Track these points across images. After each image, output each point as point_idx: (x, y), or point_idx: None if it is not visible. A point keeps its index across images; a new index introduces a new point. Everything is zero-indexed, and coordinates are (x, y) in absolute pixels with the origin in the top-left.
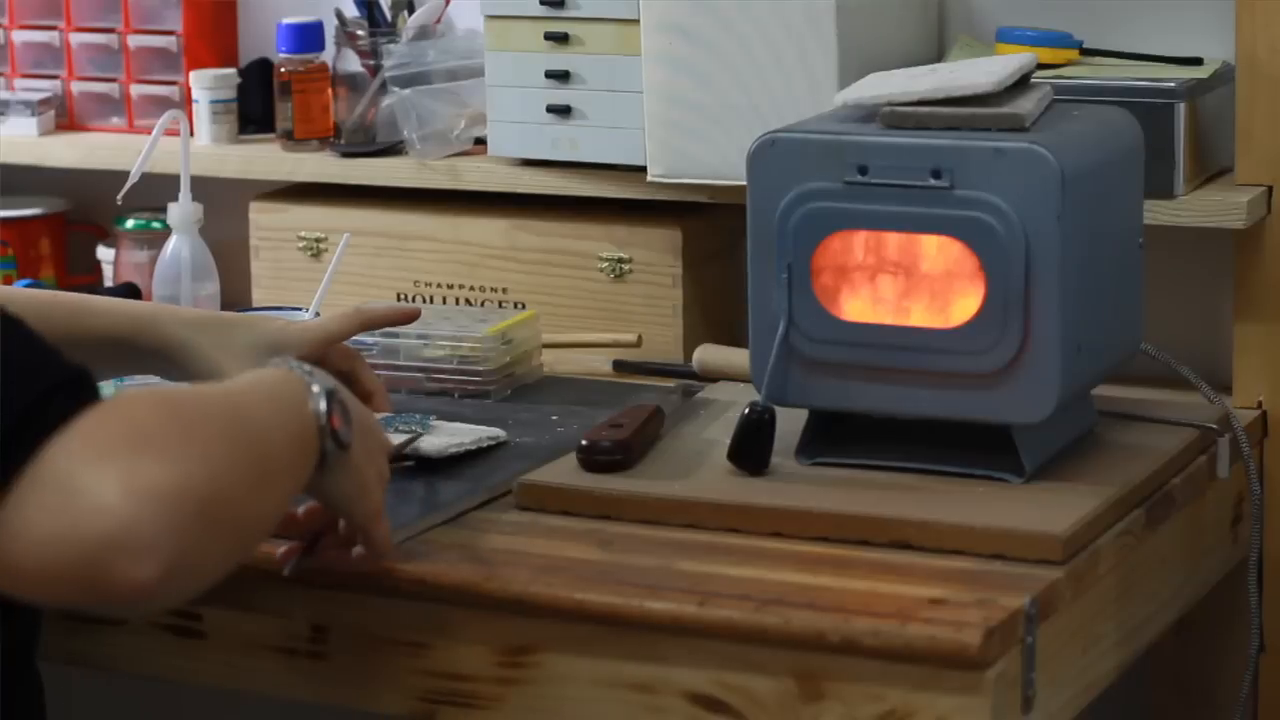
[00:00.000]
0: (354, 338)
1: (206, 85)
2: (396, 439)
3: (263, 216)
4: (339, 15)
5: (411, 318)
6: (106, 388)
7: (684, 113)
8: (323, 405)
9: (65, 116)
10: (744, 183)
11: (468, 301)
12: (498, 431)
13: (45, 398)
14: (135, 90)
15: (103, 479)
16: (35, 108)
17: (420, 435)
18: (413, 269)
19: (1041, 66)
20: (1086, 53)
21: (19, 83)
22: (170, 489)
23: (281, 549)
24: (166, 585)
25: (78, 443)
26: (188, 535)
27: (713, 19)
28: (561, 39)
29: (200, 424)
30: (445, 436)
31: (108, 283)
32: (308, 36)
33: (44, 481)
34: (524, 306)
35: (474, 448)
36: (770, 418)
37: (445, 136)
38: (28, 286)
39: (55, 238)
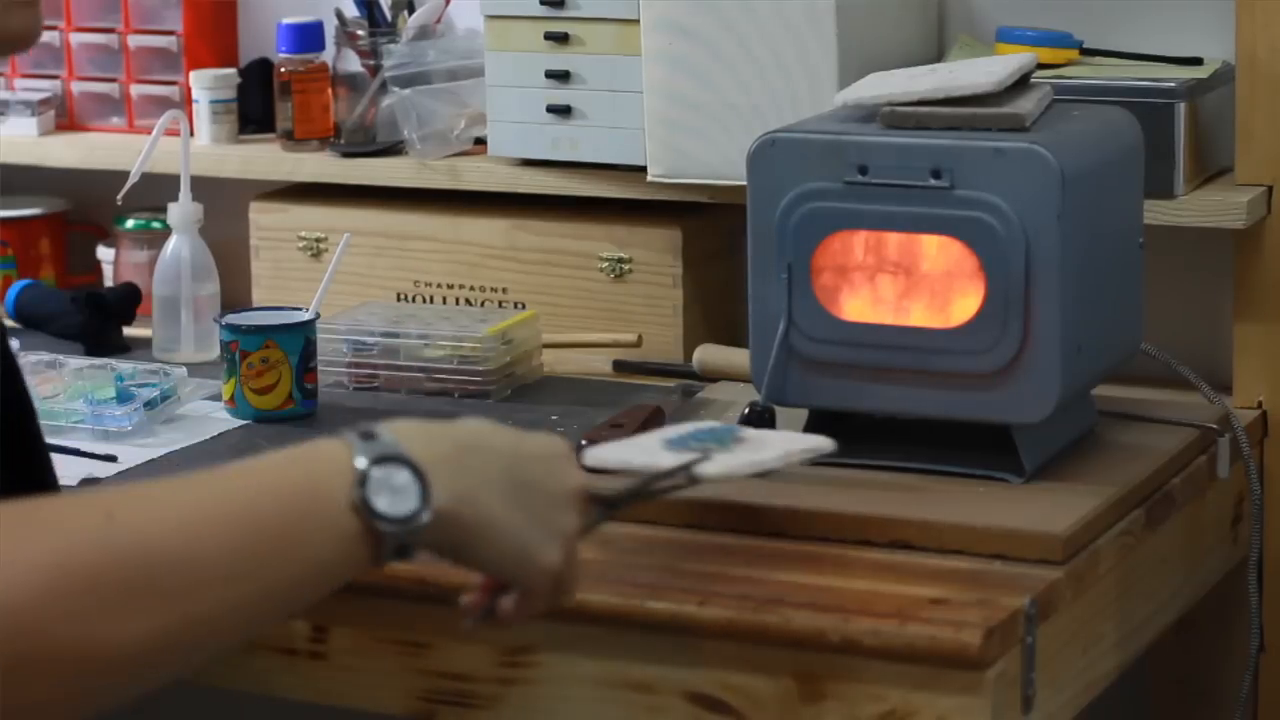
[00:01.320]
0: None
1: (206, 85)
2: (675, 459)
3: (263, 216)
4: (339, 15)
5: None
6: None
7: (684, 113)
8: (355, 489)
9: (65, 116)
10: (744, 183)
11: (468, 301)
12: (819, 441)
13: None
14: (135, 90)
15: None
16: (35, 108)
17: (701, 460)
18: (413, 269)
19: (1041, 66)
20: (1086, 53)
21: (19, 83)
22: None
23: (465, 598)
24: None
25: None
26: None
27: (713, 19)
28: (561, 39)
29: (23, 558)
30: (746, 453)
31: (108, 283)
32: (308, 36)
33: None
34: (524, 306)
35: (779, 465)
36: (770, 418)
37: (445, 136)
38: (28, 286)
39: (55, 238)
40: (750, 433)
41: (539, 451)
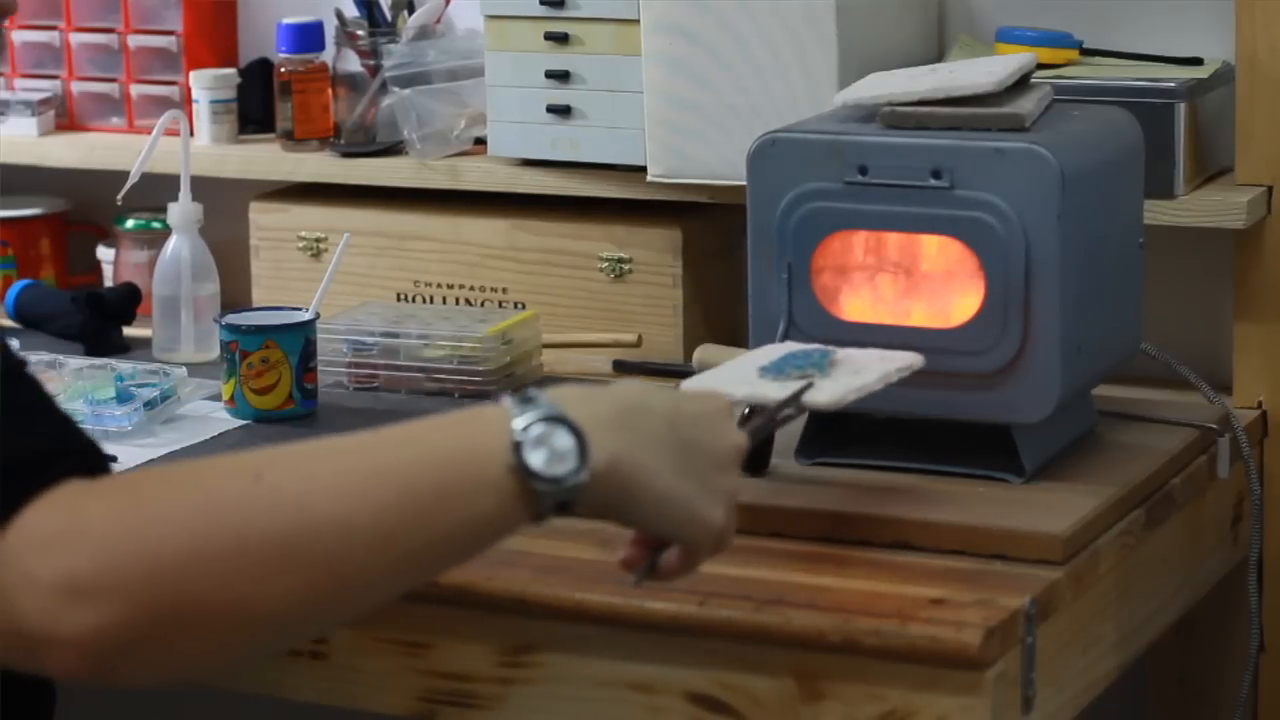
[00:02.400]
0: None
1: (206, 85)
2: (785, 389)
3: (263, 216)
4: (339, 15)
5: None
6: None
7: (684, 113)
8: (513, 452)
9: (65, 116)
10: (744, 183)
11: (468, 301)
12: (911, 358)
13: (39, 463)
14: (135, 90)
15: (32, 577)
16: (35, 108)
17: (809, 387)
18: (413, 269)
19: (1041, 66)
20: (1086, 53)
21: (19, 83)
22: (93, 584)
23: (622, 554)
24: (108, 674)
25: (19, 536)
26: (126, 628)
27: (712, 19)
28: (561, 39)
29: (169, 516)
30: (846, 376)
31: (108, 283)
32: (308, 36)
33: None
34: (524, 306)
35: (880, 386)
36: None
37: (445, 136)
38: (28, 286)
39: (55, 238)
40: (842, 353)
41: (699, 410)
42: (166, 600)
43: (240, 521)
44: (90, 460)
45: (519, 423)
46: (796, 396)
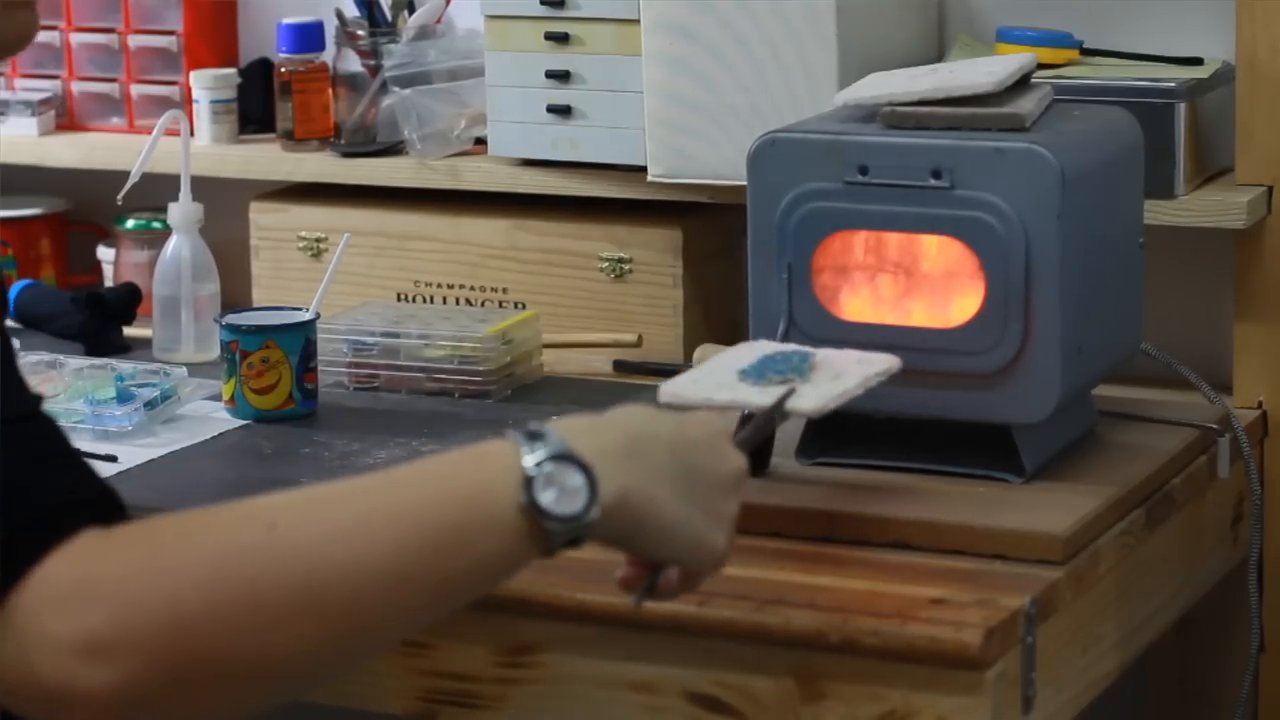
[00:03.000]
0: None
1: (207, 85)
2: (767, 395)
3: (263, 216)
4: (339, 15)
5: None
6: None
7: (684, 113)
8: (523, 492)
9: (65, 116)
10: (744, 183)
11: (468, 301)
12: (888, 360)
13: (54, 515)
14: (135, 90)
15: (48, 634)
16: (35, 108)
17: (791, 393)
18: (413, 269)
19: (1041, 66)
20: (1086, 53)
21: (19, 83)
22: (111, 641)
23: (619, 573)
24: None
25: (35, 591)
26: (144, 684)
27: (713, 19)
28: (561, 39)
29: (184, 568)
30: (828, 382)
31: (108, 283)
32: (308, 36)
33: (7, 623)
34: (524, 306)
35: (860, 391)
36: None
37: (445, 136)
38: (28, 286)
39: (55, 238)
40: (819, 355)
41: (701, 435)
42: (185, 655)
43: (256, 572)
44: (105, 508)
45: (528, 461)
46: (780, 403)
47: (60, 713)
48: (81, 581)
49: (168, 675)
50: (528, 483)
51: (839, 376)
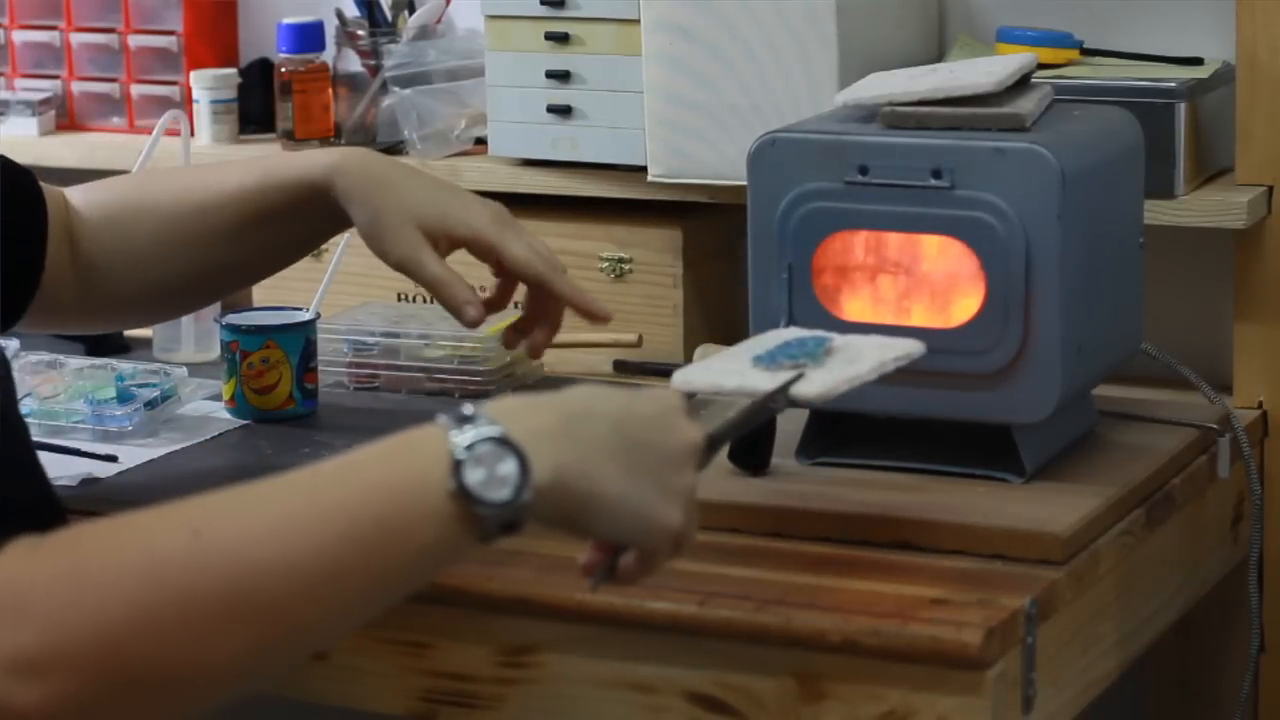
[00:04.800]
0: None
1: (207, 85)
2: (775, 380)
3: None
4: (339, 15)
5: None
6: None
7: (684, 113)
8: (452, 477)
9: (65, 116)
10: (744, 183)
11: None
12: (910, 345)
13: None
14: (135, 90)
15: None
16: (35, 108)
17: (799, 378)
18: None
19: (1041, 66)
20: (1086, 53)
21: (19, 83)
22: (41, 658)
23: (583, 559)
24: None
25: None
26: (78, 699)
27: (713, 19)
28: (562, 39)
29: (110, 581)
30: (840, 366)
31: None
32: (308, 36)
33: None
34: None
35: (874, 377)
36: (770, 418)
37: (445, 136)
38: None
39: None
40: (839, 340)
41: (649, 410)
42: (117, 668)
43: (184, 581)
44: (40, 516)
45: (456, 445)
46: (785, 389)
47: None
48: (8, 601)
49: (101, 689)
50: (456, 467)
51: (854, 362)
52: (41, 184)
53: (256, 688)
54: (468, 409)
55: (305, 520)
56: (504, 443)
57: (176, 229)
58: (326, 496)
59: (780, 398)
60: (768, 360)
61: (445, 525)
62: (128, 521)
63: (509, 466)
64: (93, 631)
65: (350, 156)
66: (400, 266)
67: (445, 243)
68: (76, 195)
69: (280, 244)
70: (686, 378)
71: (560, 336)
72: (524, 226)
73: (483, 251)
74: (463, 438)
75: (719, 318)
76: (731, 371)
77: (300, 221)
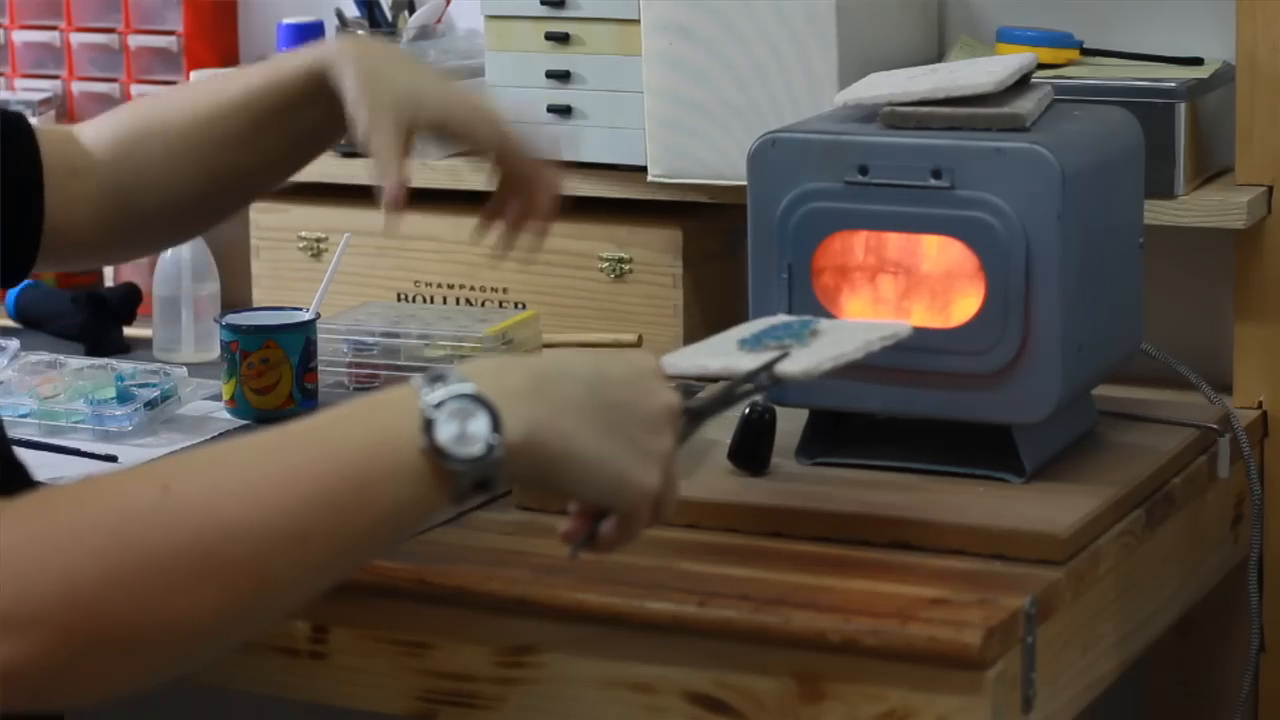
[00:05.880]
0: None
1: None
2: (759, 360)
3: (263, 216)
4: (339, 15)
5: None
6: None
7: (684, 113)
8: (423, 435)
9: (65, 116)
10: (744, 183)
11: (468, 301)
12: (897, 326)
13: None
14: (136, 90)
15: None
16: (35, 108)
17: (783, 357)
18: (413, 269)
19: (1041, 66)
20: (1086, 53)
21: (19, 83)
22: (10, 618)
23: (563, 527)
24: (37, 703)
25: None
26: (50, 657)
27: (713, 19)
28: (562, 39)
29: (78, 538)
30: (826, 347)
31: (108, 283)
32: (308, 36)
33: None
34: (524, 306)
35: (860, 355)
36: (770, 418)
37: None
38: (28, 286)
39: None
40: (826, 324)
41: (624, 373)
42: (87, 626)
43: (152, 538)
44: (6, 480)
45: (428, 403)
46: (769, 367)
47: None
48: None
49: (73, 647)
50: (428, 425)
51: (839, 342)
52: (39, 127)
53: (228, 646)
54: (439, 369)
55: (276, 479)
56: (476, 399)
57: (189, 142)
58: (298, 455)
59: (764, 375)
60: (753, 343)
61: (417, 483)
62: (97, 481)
63: (480, 423)
64: (60, 590)
65: (346, 44)
66: (363, 148)
67: (420, 129)
68: (88, 130)
69: (293, 141)
70: (674, 362)
71: (560, 336)
72: (509, 117)
73: (457, 139)
74: (434, 395)
75: (719, 318)
76: (717, 354)
77: (307, 116)
